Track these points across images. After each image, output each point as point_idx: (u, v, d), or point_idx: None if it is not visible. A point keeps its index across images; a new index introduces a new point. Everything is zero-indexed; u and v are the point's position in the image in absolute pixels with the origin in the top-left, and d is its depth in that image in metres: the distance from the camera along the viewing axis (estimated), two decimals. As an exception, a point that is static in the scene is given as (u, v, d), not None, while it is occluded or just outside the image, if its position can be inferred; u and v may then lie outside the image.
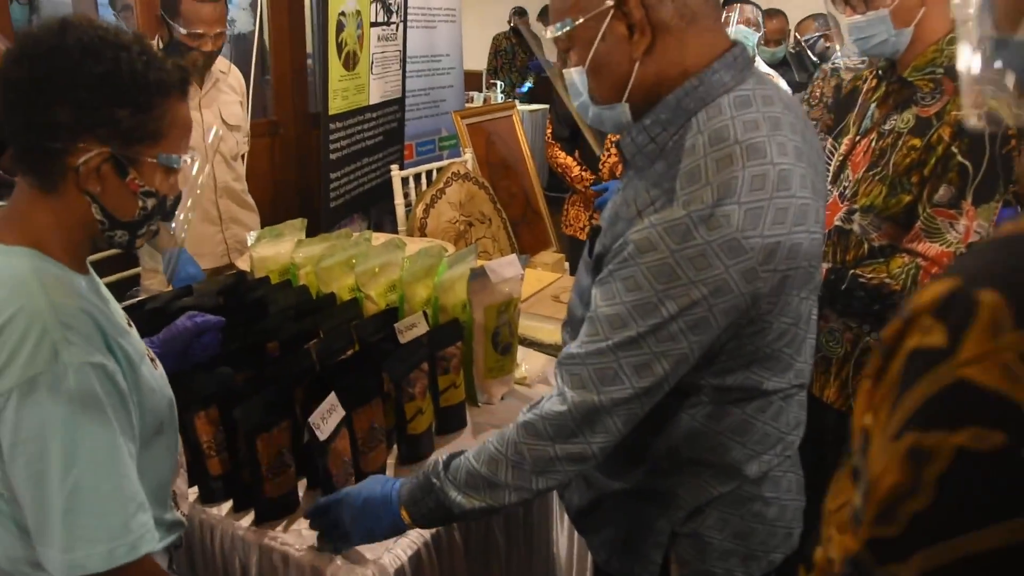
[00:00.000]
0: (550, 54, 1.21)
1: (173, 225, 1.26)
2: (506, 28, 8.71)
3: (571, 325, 1.32)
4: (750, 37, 3.51)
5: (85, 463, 1.04)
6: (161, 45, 2.67)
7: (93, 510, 1.05)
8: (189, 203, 1.28)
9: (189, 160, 1.19)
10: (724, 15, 3.48)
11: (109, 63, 1.07)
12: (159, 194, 1.16)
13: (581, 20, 1.13)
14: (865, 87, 1.94)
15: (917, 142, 1.72)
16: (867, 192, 1.80)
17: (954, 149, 1.66)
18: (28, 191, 1.13)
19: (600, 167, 3.38)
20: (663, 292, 1.05)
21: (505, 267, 1.94)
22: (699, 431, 1.21)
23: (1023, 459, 0.43)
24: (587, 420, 1.12)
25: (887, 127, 1.80)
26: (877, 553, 0.48)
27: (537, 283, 2.76)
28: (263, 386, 1.53)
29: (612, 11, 1.11)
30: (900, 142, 1.76)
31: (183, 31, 2.57)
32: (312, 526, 1.42)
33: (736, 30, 3.48)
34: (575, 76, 1.19)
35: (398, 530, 1.30)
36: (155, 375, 1.23)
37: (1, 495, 1.09)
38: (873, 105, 1.87)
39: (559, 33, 1.16)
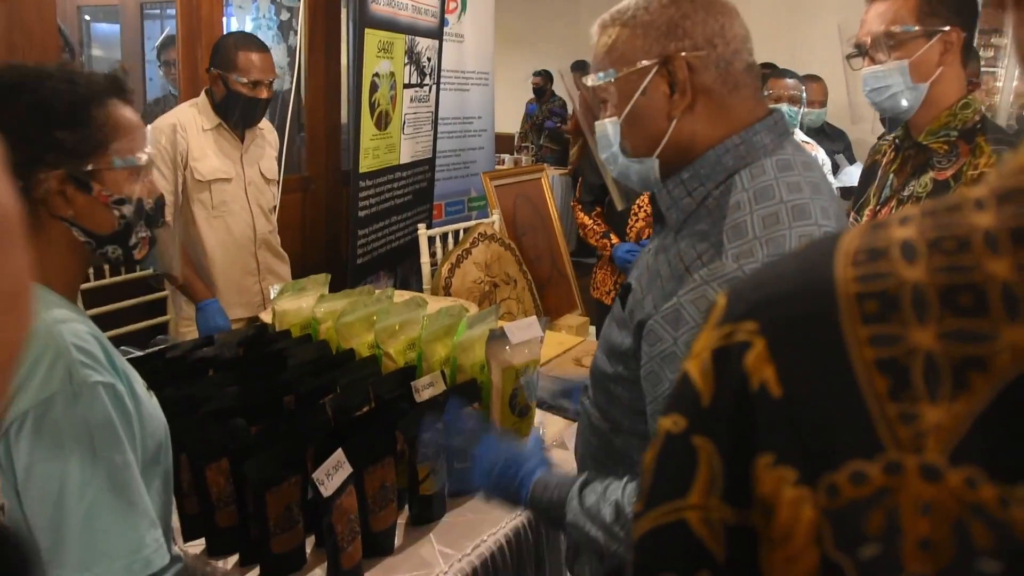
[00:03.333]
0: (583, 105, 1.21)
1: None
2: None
3: (594, 380, 1.30)
4: (793, 116, 3.47)
5: (101, 480, 1.06)
6: (216, 100, 2.76)
7: (110, 527, 1.07)
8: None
9: (146, 158, 1.20)
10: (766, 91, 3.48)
11: (33, 94, 1.10)
12: (132, 198, 1.18)
13: (624, 72, 1.14)
14: (884, 160, 1.94)
15: None
16: None
17: None
18: None
19: (628, 231, 3.39)
20: None
21: (524, 329, 1.94)
22: None
23: (692, 444, 0.49)
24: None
25: (906, 193, 1.80)
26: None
27: (559, 346, 2.75)
28: (276, 440, 1.53)
29: (657, 68, 1.12)
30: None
31: (242, 80, 2.66)
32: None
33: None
34: (608, 127, 1.19)
35: (516, 499, 1.30)
36: (152, 403, 1.25)
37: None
38: (892, 175, 1.87)
39: (600, 83, 1.17)
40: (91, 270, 2.97)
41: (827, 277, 0.46)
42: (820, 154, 3.47)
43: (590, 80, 1.21)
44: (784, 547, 0.44)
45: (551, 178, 4.83)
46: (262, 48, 2.81)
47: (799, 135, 3.41)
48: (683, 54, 1.10)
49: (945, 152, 1.74)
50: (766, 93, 3.46)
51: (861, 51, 1.81)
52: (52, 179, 1.12)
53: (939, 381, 0.40)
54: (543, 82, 8.67)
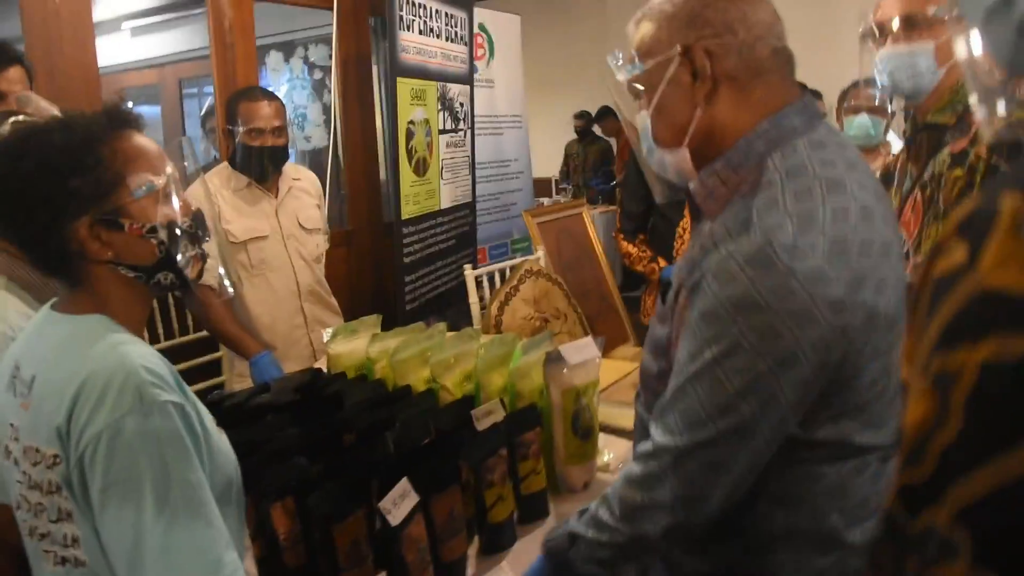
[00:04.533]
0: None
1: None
2: (573, 135, 8.86)
3: (643, 382, 1.28)
4: (876, 126, 3.13)
5: (176, 499, 1.06)
6: (229, 155, 2.80)
7: (188, 547, 1.06)
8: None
9: (166, 179, 1.20)
10: (847, 103, 3.35)
11: (36, 152, 1.11)
12: (165, 221, 1.19)
13: (650, 64, 1.16)
14: (898, 164, 1.94)
15: (959, 172, 1.71)
16: (929, 236, 1.75)
17: (994, 162, 1.63)
18: (72, 290, 1.19)
19: (674, 254, 3.35)
20: (743, 324, 0.99)
21: (581, 350, 1.90)
22: (792, 495, 1.13)
23: None
24: (673, 467, 1.08)
25: (927, 176, 1.78)
26: (909, 501, 0.42)
27: (616, 373, 2.71)
28: (340, 475, 1.50)
29: (679, 57, 1.13)
30: (943, 180, 1.74)
31: (242, 129, 2.70)
32: None
33: (857, 123, 3.13)
34: (644, 120, 1.21)
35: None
36: (222, 439, 1.24)
37: (82, 564, 1.10)
38: (909, 167, 1.86)
39: (629, 75, 1.19)
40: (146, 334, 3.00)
41: None
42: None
43: (621, 75, 1.22)
44: None
45: (592, 216, 4.81)
46: (263, 96, 2.83)
47: (895, 144, 3.11)
48: (702, 42, 1.11)
49: (955, 124, 1.74)
50: (845, 104, 3.39)
51: (881, 32, 1.80)
52: (81, 228, 1.14)
53: None
54: (585, 124, 8.67)
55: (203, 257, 1.26)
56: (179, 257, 1.21)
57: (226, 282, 1.36)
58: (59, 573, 1.14)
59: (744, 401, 1.02)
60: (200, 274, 1.26)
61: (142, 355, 1.11)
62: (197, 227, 1.24)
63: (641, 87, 1.20)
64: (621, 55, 1.22)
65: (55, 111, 1.76)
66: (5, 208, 1.13)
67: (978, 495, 0.39)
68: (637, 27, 1.20)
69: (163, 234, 1.19)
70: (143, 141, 1.21)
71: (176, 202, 1.21)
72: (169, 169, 1.21)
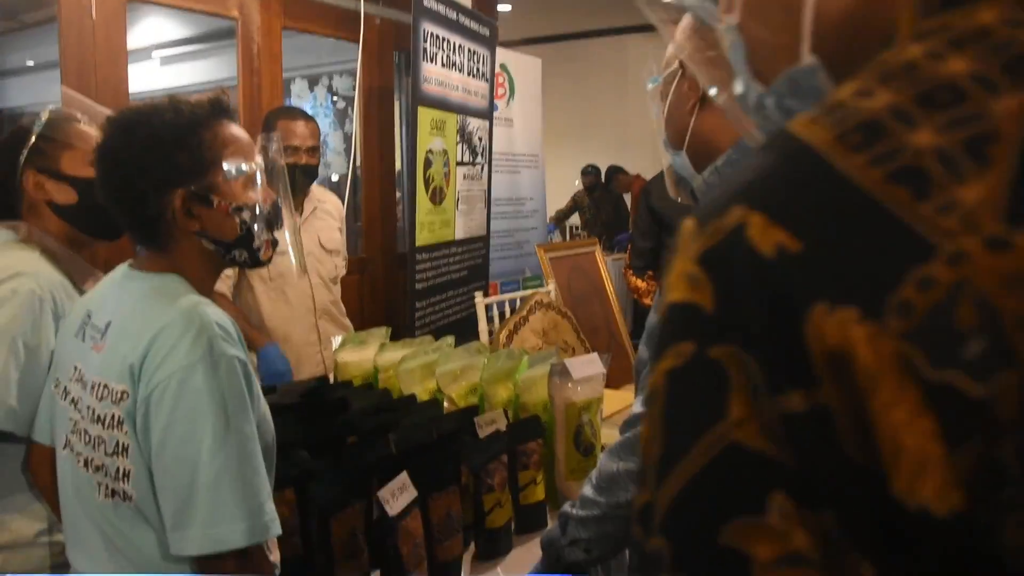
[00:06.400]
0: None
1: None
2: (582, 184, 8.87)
3: (637, 371, 1.32)
4: None
5: (231, 446, 1.14)
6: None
7: (237, 489, 1.14)
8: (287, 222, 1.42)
9: (256, 167, 1.32)
10: None
11: (147, 127, 1.24)
12: (250, 203, 1.30)
13: (663, 75, 1.29)
14: None
15: None
16: None
17: None
18: (152, 252, 1.31)
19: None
20: None
21: (586, 365, 1.92)
22: None
23: (710, 360, 0.40)
24: None
25: None
26: (642, 521, 0.43)
27: (621, 402, 2.71)
28: (341, 469, 1.51)
29: (680, 71, 1.26)
30: None
31: (276, 145, 2.75)
32: None
33: None
34: (661, 123, 1.30)
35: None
36: (265, 405, 1.32)
37: (129, 498, 1.19)
38: None
39: (651, 87, 1.30)
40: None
41: (793, 141, 0.43)
42: None
43: (650, 86, 1.31)
44: (876, 395, 0.37)
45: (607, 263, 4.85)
46: (299, 116, 2.91)
47: None
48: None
49: None
50: None
51: None
52: (177, 198, 1.25)
53: (958, 164, 0.38)
54: (593, 179, 8.69)
55: (274, 243, 1.36)
56: (255, 239, 1.31)
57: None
58: (106, 505, 1.23)
59: None
60: (270, 258, 1.37)
61: (216, 313, 1.22)
62: (275, 215, 1.36)
63: (660, 95, 1.33)
64: (655, 69, 1.36)
65: (99, 108, 1.84)
66: (115, 172, 1.25)
67: (673, 495, 0.41)
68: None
69: (247, 215, 1.30)
70: (238, 131, 1.33)
71: (260, 189, 1.33)
72: (258, 159, 1.34)
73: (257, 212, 1.31)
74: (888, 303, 0.37)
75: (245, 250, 1.32)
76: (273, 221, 1.36)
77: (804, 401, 0.38)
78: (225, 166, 1.28)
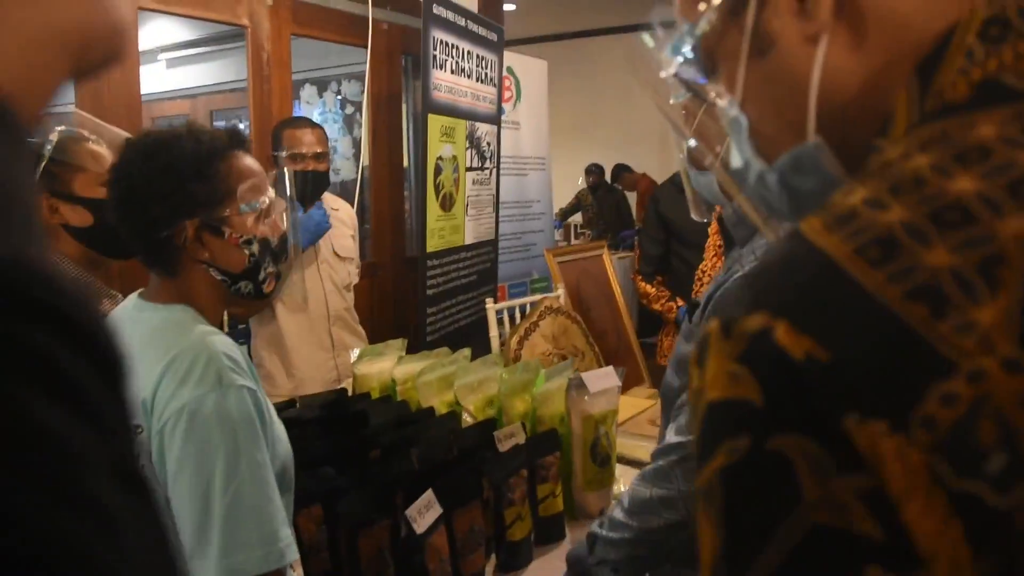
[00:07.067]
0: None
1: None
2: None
3: (664, 397, 1.33)
4: None
5: (243, 475, 1.16)
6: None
7: (250, 518, 1.16)
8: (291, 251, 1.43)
9: (268, 201, 1.34)
10: None
11: (166, 155, 1.25)
12: (259, 237, 1.32)
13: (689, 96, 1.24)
14: None
15: None
16: None
17: None
18: (162, 281, 1.31)
19: (693, 296, 3.40)
20: None
21: (602, 378, 1.95)
22: None
23: (770, 450, 0.41)
24: (679, 463, 1.15)
25: None
26: None
27: (633, 408, 2.75)
28: (366, 485, 1.55)
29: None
30: None
31: (285, 154, 2.81)
32: None
33: None
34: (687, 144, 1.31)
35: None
36: (280, 427, 1.33)
37: None
38: None
39: (673, 102, 1.30)
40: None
41: (813, 250, 0.45)
42: None
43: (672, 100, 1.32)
44: (908, 505, 0.39)
45: (613, 262, 4.88)
46: (307, 124, 2.98)
47: None
48: None
49: None
50: None
51: None
52: (190, 227, 1.27)
53: (973, 286, 0.40)
54: (596, 178, 8.73)
55: (278, 276, 1.39)
56: (261, 271, 1.34)
57: None
58: None
59: None
60: (272, 291, 1.39)
61: (224, 343, 1.24)
62: (282, 249, 1.38)
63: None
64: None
65: (113, 129, 1.86)
66: (130, 196, 1.26)
67: None
68: None
69: (255, 248, 1.32)
70: (253, 164, 1.35)
71: (270, 224, 1.35)
72: (271, 193, 1.36)
73: (266, 246, 1.34)
74: (914, 417, 0.38)
75: (250, 282, 1.34)
76: (280, 254, 1.38)
77: (868, 480, 0.39)
78: (239, 199, 1.30)
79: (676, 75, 0.69)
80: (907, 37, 0.53)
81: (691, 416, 0.48)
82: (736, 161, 0.65)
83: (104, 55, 0.36)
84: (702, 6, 0.62)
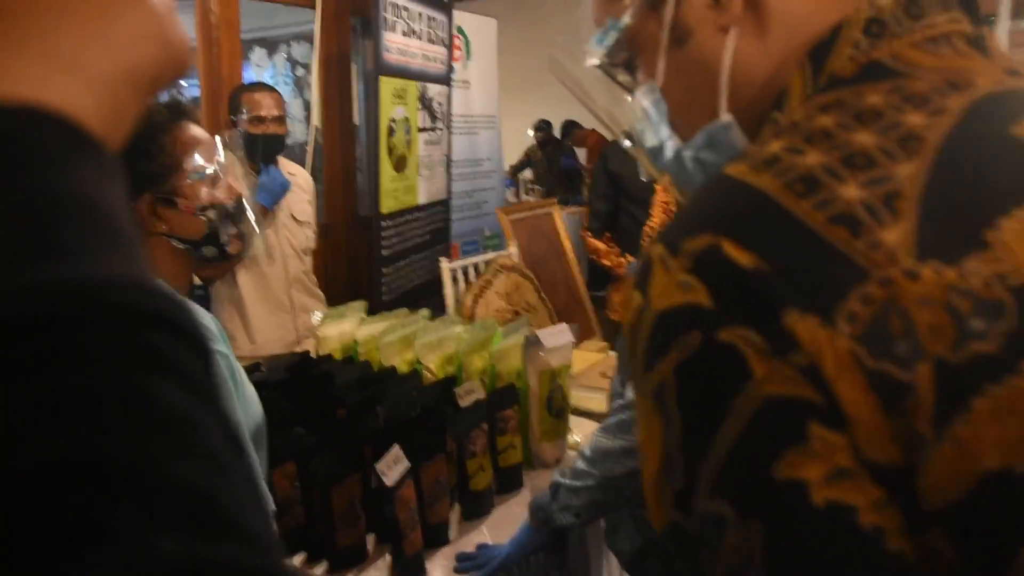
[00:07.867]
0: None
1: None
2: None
3: (621, 358, 1.43)
4: None
5: None
6: (230, 140, 2.94)
7: None
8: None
9: (218, 166, 1.35)
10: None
11: None
12: (215, 203, 1.34)
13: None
14: None
15: None
16: None
17: None
18: None
19: (641, 252, 3.52)
20: None
21: (556, 335, 2.05)
22: None
23: (720, 341, 0.49)
24: None
25: None
26: (679, 507, 0.53)
27: (584, 361, 2.86)
28: (336, 443, 1.64)
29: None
30: None
31: (245, 117, 2.85)
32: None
33: None
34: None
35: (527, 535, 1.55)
36: (251, 389, 1.40)
37: None
38: None
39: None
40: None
41: (745, 185, 0.54)
42: None
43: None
44: (839, 382, 0.48)
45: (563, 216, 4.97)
46: (266, 88, 3.06)
47: None
48: None
49: None
50: None
51: None
52: (143, 204, 1.30)
53: (880, 214, 0.50)
54: (545, 136, 8.76)
55: (242, 236, 1.41)
56: (221, 234, 1.36)
57: None
58: None
59: None
60: (239, 251, 1.42)
61: (195, 310, 1.26)
62: (239, 210, 1.41)
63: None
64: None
65: None
66: None
67: (718, 467, 0.50)
68: None
69: (212, 213, 1.35)
70: (198, 132, 1.37)
71: (223, 188, 1.37)
72: (219, 158, 1.38)
73: (222, 210, 1.36)
74: (839, 313, 0.49)
75: (213, 246, 1.37)
76: (238, 216, 1.40)
77: (806, 358, 0.48)
78: (187, 169, 1.32)
79: (599, 66, 0.75)
80: (802, 29, 0.63)
81: (631, 336, 0.55)
82: (652, 140, 0.73)
83: (171, 80, 0.41)
84: (626, 0, 0.70)
